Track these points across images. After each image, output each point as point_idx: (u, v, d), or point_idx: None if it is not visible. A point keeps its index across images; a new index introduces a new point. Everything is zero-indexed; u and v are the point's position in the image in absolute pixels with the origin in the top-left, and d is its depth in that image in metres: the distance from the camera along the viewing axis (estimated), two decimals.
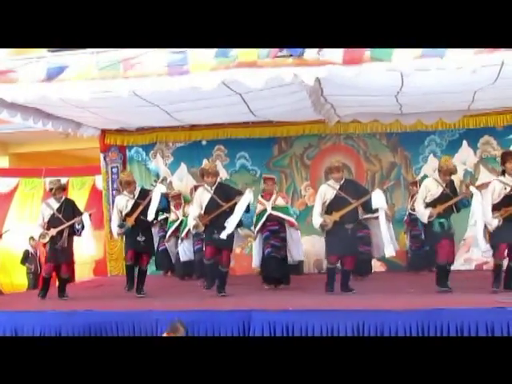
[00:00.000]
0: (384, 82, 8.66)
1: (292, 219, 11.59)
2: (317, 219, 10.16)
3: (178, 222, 13.69)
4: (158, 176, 15.17)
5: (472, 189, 9.86)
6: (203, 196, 10.51)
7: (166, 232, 13.93)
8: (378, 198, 10.09)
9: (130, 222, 10.86)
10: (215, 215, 10.30)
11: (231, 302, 9.64)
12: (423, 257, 12.45)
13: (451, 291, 9.62)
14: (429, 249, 10.44)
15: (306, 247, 13.57)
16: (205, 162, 14.50)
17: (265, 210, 11.41)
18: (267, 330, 8.36)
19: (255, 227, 11.59)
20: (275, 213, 11.36)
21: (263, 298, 10.36)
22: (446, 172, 9.93)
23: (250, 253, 13.45)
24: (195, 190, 12.25)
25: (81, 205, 15.54)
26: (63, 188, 11.38)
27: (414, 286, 9.87)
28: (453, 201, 9.81)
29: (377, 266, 14.00)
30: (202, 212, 10.44)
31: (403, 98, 10.63)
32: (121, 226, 11.01)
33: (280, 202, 11.64)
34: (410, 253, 13.38)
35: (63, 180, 13.87)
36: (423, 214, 9.90)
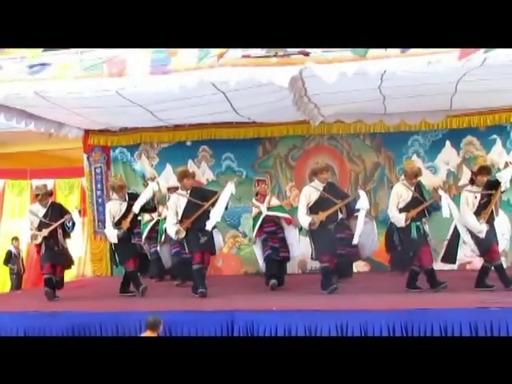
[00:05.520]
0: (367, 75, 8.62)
1: (288, 216, 11.51)
2: (304, 219, 10.22)
3: (153, 222, 13.38)
4: (143, 177, 15.15)
5: (440, 192, 10.10)
6: (179, 202, 10.49)
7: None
8: (362, 199, 10.30)
9: (126, 225, 10.87)
10: (195, 218, 10.31)
11: (215, 303, 9.63)
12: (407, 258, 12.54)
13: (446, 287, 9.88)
14: (411, 252, 10.49)
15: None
16: (190, 162, 14.55)
17: (260, 213, 11.40)
18: (251, 330, 8.37)
19: (253, 230, 11.62)
20: (271, 213, 11.36)
21: (247, 298, 10.36)
22: (411, 175, 10.07)
23: (238, 253, 13.48)
24: (168, 192, 12.31)
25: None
26: (50, 194, 11.35)
27: (398, 286, 9.88)
28: (424, 205, 9.99)
29: (360, 266, 14.03)
30: (179, 218, 10.42)
31: (387, 89, 10.58)
32: (118, 229, 10.93)
33: (274, 201, 11.69)
34: (394, 253, 13.28)
35: (49, 184, 13.83)
36: (400, 218, 10.01)
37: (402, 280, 10.16)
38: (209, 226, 10.35)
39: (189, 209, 10.41)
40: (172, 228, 10.47)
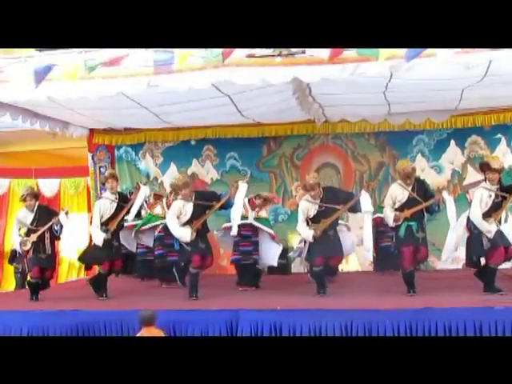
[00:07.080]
0: (371, 79, 8.61)
1: (272, 232, 11.54)
2: (307, 232, 10.03)
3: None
4: (148, 176, 15.15)
5: (444, 194, 9.86)
6: (184, 209, 10.24)
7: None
8: (365, 202, 10.06)
9: (113, 226, 10.63)
10: (203, 221, 10.25)
11: (219, 302, 9.63)
12: (389, 258, 12.52)
13: (416, 293, 9.64)
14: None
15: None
16: (194, 161, 14.57)
17: (246, 217, 11.29)
18: (255, 329, 8.37)
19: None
20: (256, 224, 11.42)
21: (251, 297, 10.35)
22: (404, 177, 9.82)
23: None
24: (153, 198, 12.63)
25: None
26: (34, 195, 11.03)
27: (402, 286, 9.86)
28: (421, 206, 9.72)
29: (365, 265, 14.01)
30: (188, 220, 10.22)
31: (391, 95, 10.59)
32: (105, 231, 10.58)
33: (263, 213, 11.69)
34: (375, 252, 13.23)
35: (55, 184, 13.82)
36: (388, 216, 9.88)
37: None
38: (234, 232, 10.66)
39: (197, 212, 10.24)
40: (182, 231, 10.15)
